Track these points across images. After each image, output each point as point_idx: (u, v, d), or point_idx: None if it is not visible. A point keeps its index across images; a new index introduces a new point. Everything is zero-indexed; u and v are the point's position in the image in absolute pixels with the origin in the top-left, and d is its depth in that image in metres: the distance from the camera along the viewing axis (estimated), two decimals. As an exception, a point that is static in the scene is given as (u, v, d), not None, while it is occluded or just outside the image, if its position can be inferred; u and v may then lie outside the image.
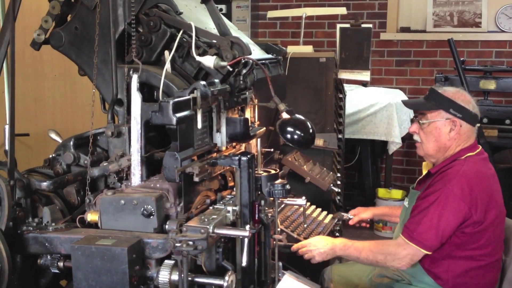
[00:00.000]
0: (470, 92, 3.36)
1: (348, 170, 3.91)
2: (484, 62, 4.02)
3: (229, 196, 1.47)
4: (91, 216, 1.35)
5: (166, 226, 1.27)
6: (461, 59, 3.56)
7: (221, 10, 4.06)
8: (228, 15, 4.20)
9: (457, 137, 1.81)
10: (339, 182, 2.58)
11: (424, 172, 1.95)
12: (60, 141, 1.57)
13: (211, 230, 1.22)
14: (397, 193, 3.69)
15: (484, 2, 4.14)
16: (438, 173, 1.80)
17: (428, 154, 1.87)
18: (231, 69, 1.59)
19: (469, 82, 3.41)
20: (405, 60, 4.30)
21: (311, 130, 1.63)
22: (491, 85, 3.47)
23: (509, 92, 3.77)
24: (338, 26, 2.64)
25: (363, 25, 2.58)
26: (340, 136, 2.66)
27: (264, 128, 1.74)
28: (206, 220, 1.26)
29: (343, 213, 2.11)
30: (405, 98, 3.93)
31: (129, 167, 1.42)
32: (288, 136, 1.62)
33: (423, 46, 4.23)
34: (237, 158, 1.38)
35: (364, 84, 3.96)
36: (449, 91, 1.85)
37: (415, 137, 1.88)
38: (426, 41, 4.21)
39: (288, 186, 1.47)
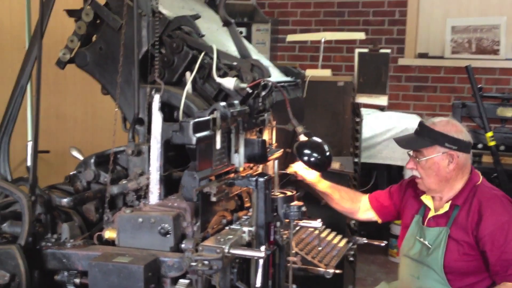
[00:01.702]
0: (488, 119, 3.37)
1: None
2: (502, 89, 4.01)
3: (245, 217, 1.48)
4: (109, 234, 1.37)
5: (182, 245, 1.28)
6: (479, 86, 3.55)
7: (241, 32, 4.12)
8: (248, 38, 4.25)
9: (456, 168, 1.81)
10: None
11: (429, 204, 1.91)
12: (82, 158, 1.60)
13: (226, 250, 1.23)
14: (412, 219, 3.66)
15: (503, 29, 4.14)
16: (465, 203, 1.82)
17: (431, 189, 1.86)
18: (250, 91, 1.61)
19: (486, 109, 3.39)
20: (423, 86, 4.30)
21: (328, 153, 1.64)
22: (508, 112, 3.46)
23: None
24: (357, 50, 2.67)
25: (381, 51, 2.60)
26: (356, 160, 2.67)
27: (282, 150, 1.75)
28: (222, 240, 1.27)
29: (357, 237, 2.10)
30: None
31: (147, 186, 1.44)
32: (305, 158, 1.63)
33: (441, 72, 4.24)
34: (254, 179, 1.39)
35: (381, 108, 3.97)
36: (439, 124, 1.84)
37: (415, 173, 1.86)
38: (444, 67, 4.22)
39: (304, 208, 1.48)
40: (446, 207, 1.85)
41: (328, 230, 2.09)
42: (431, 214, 1.89)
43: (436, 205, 1.90)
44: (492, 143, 3.22)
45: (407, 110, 4.27)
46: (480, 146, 3.38)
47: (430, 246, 1.83)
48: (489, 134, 3.25)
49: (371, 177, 3.80)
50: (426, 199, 1.91)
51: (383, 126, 3.57)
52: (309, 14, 4.55)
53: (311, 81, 2.56)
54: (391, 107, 4.24)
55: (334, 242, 2.00)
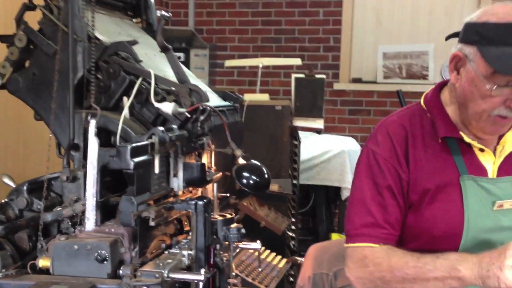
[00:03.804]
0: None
1: (303, 215, 3.96)
2: (431, 112, 4.21)
3: (185, 240, 1.48)
4: (43, 262, 1.33)
5: (120, 272, 1.26)
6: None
7: (179, 58, 4.14)
8: (187, 63, 4.27)
9: None
10: (293, 227, 2.61)
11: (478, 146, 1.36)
12: (14, 185, 1.55)
13: (165, 275, 1.23)
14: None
15: (431, 56, 4.38)
16: None
17: None
18: (189, 116, 1.63)
19: (417, 131, 3.55)
20: (357, 110, 4.47)
21: (266, 176, 1.68)
22: (437, 134, 3.63)
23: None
24: (293, 76, 2.75)
25: (316, 76, 2.70)
26: (295, 181, 2.72)
27: (221, 173, 1.77)
28: (161, 264, 1.27)
29: (297, 258, 2.14)
30: (358, 146, 4.06)
31: (83, 212, 1.42)
32: (244, 181, 1.66)
33: (374, 96, 4.42)
34: (193, 202, 1.40)
35: (318, 131, 4.07)
36: None
37: (506, 112, 1.28)
38: (377, 91, 4.40)
39: (243, 230, 1.50)
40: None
41: (268, 251, 2.12)
42: (498, 157, 1.38)
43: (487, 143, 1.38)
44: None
45: (343, 132, 4.40)
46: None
47: None
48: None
49: (310, 199, 3.88)
50: (473, 142, 1.36)
51: (320, 149, 3.67)
52: (247, 40, 4.64)
53: (250, 105, 2.61)
54: (328, 130, 4.37)
55: (274, 263, 2.03)
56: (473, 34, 1.29)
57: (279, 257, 2.13)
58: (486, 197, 1.35)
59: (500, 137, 1.41)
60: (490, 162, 1.38)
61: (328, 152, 3.64)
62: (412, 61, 4.45)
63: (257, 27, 4.62)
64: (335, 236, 3.79)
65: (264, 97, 2.76)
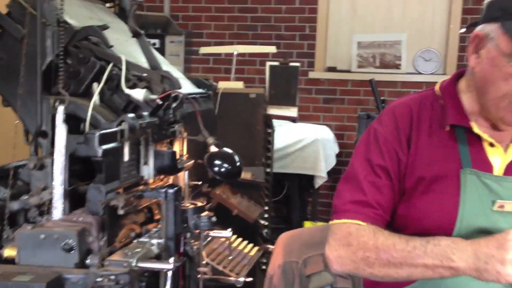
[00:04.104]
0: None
1: (277, 203, 3.98)
2: (404, 101, 4.26)
3: (155, 229, 1.47)
4: (8, 252, 1.31)
5: (87, 261, 1.25)
6: (382, 98, 3.76)
7: (154, 44, 4.08)
8: (162, 50, 4.22)
9: None
10: (266, 215, 2.62)
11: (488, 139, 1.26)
12: (-21, 173, 1.51)
13: (134, 264, 1.22)
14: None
15: (404, 45, 4.42)
16: None
17: None
18: (160, 103, 1.61)
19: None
20: (332, 98, 4.49)
21: (238, 163, 1.67)
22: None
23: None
24: (268, 64, 2.74)
25: (291, 64, 2.69)
26: (268, 170, 2.72)
27: (193, 161, 1.76)
28: (129, 253, 1.26)
29: (269, 245, 2.15)
30: (331, 134, 4.08)
31: (51, 201, 1.39)
32: (216, 168, 1.65)
33: (348, 85, 4.44)
34: (163, 190, 1.39)
35: (293, 120, 4.08)
36: None
37: None
38: (351, 80, 4.43)
39: (214, 219, 1.49)
40: None
41: (239, 240, 2.12)
42: (509, 154, 1.27)
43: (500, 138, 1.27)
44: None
45: (317, 121, 4.42)
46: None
47: None
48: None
49: (284, 187, 3.90)
50: (484, 135, 1.25)
51: (294, 137, 3.68)
52: (223, 27, 4.61)
53: (224, 93, 2.60)
54: (302, 118, 4.38)
55: (245, 251, 2.03)
56: (495, 10, 1.19)
57: (251, 245, 2.14)
58: (486, 194, 1.23)
59: None
60: (498, 158, 1.26)
61: (302, 141, 3.66)
62: (386, 50, 4.48)
63: (233, 14, 4.58)
64: (308, 224, 3.82)
65: (238, 85, 2.75)
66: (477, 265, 1.08)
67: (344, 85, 4.45)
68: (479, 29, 1.22)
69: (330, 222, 1.30)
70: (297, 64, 2.71)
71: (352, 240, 1.22)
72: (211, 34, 4.60)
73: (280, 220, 4.09)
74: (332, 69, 4.49)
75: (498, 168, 1.26)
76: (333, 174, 4.10)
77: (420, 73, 4.37)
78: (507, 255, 1.05)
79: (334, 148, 3.99)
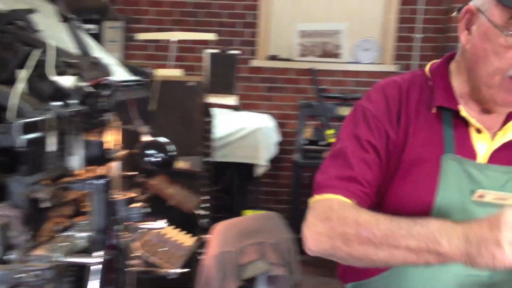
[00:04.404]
0: (330, 118, 3.63)
1: (218, 193, 3.97)
2: (343, 90, 4.34)
3: (83, 222, 1.42)
4: None
5: (10, 257, 1.19)
6: (323, 87, 3.81)
7: (90, 30, 3.95)
8: (100, 36, 4.09)
9: None
10: (206, 205, 2.60)
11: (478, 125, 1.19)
12: None
13: (58, 258, 1.17)
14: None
15: (344, 35, 4.48)
16: None
17: None
18: (91, 90, 1.55)
19: (328, 109, 3.65)
20: (273, 87, 4.50)
21: (171, 153, 1.64)
22: (347, 111, 3.74)
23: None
24: (207, 51, 2.70)
25: (230, 52, 2.67)
26: (207, 159, 2.70)
27: (125, 151, 1.71)
28: (54, 248, 1.21)
29: (206, 236, 2.13)
30: (273, 123, 4.10)
31: (-30, 193, 1.32)
32: (148, 158, 1.62)
33: (289, 74, 4.47)
34: (91, 182, 1.35)
35: (235, 108, 4.07)
36: None
37: None
38: (292, 69, 4.45)
39: (145, 210, 1.46)
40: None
41: (176, 231, 2.10)
42: (496, 141, 1.20)
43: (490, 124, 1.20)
44: (332, 140, 3.47)
45: (259, 110, 4.43)
46: (323, 143, 3.62)
47: None
48: (330, 131, 3.50)
49: (225, 176, 3.89)
50: (472, 120, 1.19)
51: (236, 126, 3.67)
52: (163, 13, 4.51)
53: (163, 80, 2.54)
54: (244, 107, 4.38)
55: (181, 241, 2.01)
56: None
57: (187, 235, 2.12)
58: (467, 183, 1.15)
59: (505, 122, 1.21)
60: (484, 145, 1.19)
61: (243, 130, 3.65)
62: (327, 39, 4.53)
63: (174, 0, 4.50)
64: (248, 213, 3.84)
65: (176, 73, 2.70)
66: (469, 250, 0.93)
67: (286, 73, 4.47)
68: (470, 3, 1.16)
69: (310, 199, 1.17)
70: (236, 52, 2.69)
71: (332, 215, 1.09)
72: (151, 20, 4.50)
73: (221, 209, 4.09)
74: (274, 58, 4.50)
75: (483, 155, 1.18)
76: (275, 162, 4.14)
77: (359, 63, 4.45)
78: (503, 236, 0.90)
79: (275, 137, 4.02)
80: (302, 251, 3.71)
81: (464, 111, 1.18)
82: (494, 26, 1.08)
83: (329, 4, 4.51)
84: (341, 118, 3.79)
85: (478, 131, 1.19)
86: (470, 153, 1.18)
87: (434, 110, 1.20)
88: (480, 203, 1.15)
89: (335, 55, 4.53)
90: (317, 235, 1.10)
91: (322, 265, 3.62)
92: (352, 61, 4.46)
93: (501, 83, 1.10)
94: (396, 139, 1.19)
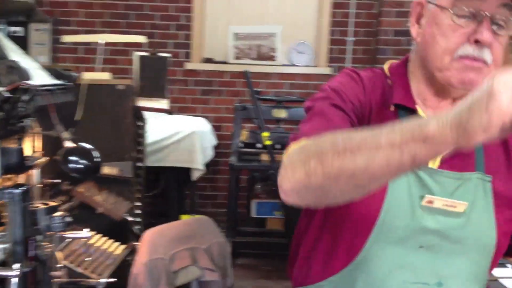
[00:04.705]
0: (265, 120, 3.64)
1: (154, 198, 3.89)
2: (279, 93, 4.37)
3: (1, 234, 1.34)
4: None
5: None
6: (257, 89, 3.82)
7: (15, 32, 3.78)
8: (26, 39, 3.92)
9: None
10: (139, 211, 2.54)
11: None
12: None
13: (-31, 273, 1.10)
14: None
15: (279, 38, 4.52)
16: None
17: None
18: (8, 95, 1.47)
19: (263, 111, 3.66)
20: (209, 90, 4.47)
21: (95, 159, 1.58)
22: (282, 113, 3.78)
23: (299, 120, 4.13)
24: (136, 54, 2.64)
25: (160, 54, 2.62)
26: (140, 164, 2.64)
27: (46, 158, 1.64)
28: (-36, 262, 1.13)
29: (136, 243, 2.08)
30: (209, 126, 4.07)
31: None
32: (71, 165, 1.55)
33: (225, 77, 4.45)
34: (7, 191, 1.27)
35: (169, 112, 4.02)
36: None
37: (484, 55, 1.06)
38: (228, 72, 4.44)
39: (69, 218, 1.40)
40: None
41: (104, 239, 2.03)
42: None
43: None
44: (268, 142, 3.48)
45: (195, 113, 4.39)
46: (259, 145, 3.63)
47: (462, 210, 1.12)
48: (265, 134, 3.51)
49: (160, 181, 3.82)
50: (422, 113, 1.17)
51: (170, 130, 3.62)
52: (93, 15, 4.39)
53: (90, 84, 2.46)
54: (180, 110, 4.33)
55: (110, 250, 1.95)
56: None
57: (117, 243, 2.05)
58: (416, 188, 1.11)
59: None
60: None
61: (178, 133, 3.60)
62: (262, 42, 4.55)
63: (104, 1, 4.39)
64: (185, 218, 3.78)
65: (105, 76, 2.62)
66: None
67: (221, 76, 4.45)
68: None
69: (283, 156, 1.00)
70: (167, 55, 2.64)
71: (304, 148, 0.93)
72: (80, 22, 4.37)
73: (158, 214, 4.01)
74: (209, 61, 4.47)
75: (435, 160, 1.13)
76: (211, 166, 4.11)
77: (294, 65, 4.50)
78: (495, 85, 0.71)
79: (211, 140, 3.99)
80: (237, 254, 3.69)
81: (421, 111, 1.16)
82: (441, 10, 1.07)
83: (263, 7, 4.54)
84: (276, 121, 3.82)
85: None
86: None
87: (392, 108, 1.16)
88: (429, 209, 1.11)
89: (270, 58, 4.56)
90: (291, 168, 0.91)
91: (257, 268, 3.64)
92: (287, 64, 4.51)
93: (452, 63, 1.07)
94: (359, 125, 1.13)
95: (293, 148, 0.98)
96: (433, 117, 0.78)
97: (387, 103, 1.17)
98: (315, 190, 0.90)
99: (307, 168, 0.88)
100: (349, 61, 4.42)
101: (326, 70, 4.45)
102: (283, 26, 4.53)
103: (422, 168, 1.12)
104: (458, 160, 1.13)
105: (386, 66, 1.26)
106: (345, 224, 1.15)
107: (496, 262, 1.20)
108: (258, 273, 3.56)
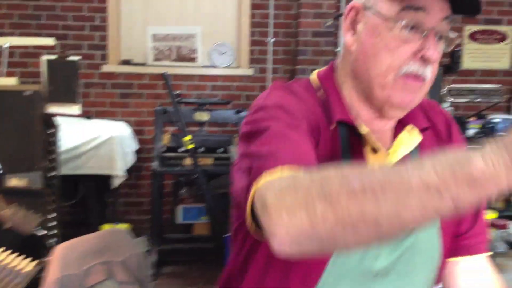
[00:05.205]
0: (187, 123, 3.57)
1: (73, 208, 3.72)
2: (201, 95, 4.31)
3: None
4: None
5: None
6: (179, 92, 3.74)
7: None
8: None
9: None
10: (54, 223, 2.39)
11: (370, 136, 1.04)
12: None
13: None
14: (123, 227, 3.65)
15: (199, 38, 4.46)
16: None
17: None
18: None
19: (185, 114, 3.60)
20: (129, 93, 4.33)
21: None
22: (205, 116, 3.73)
23: (222, 123, 4.10)
24: (44, 57, 2.49)
25: (70, 57, 2.48)
26: (52, 173, 2.49)
27: None
28: None
29: (48, 259, 1.95)
30: (129, 130, 3.95)
31: None
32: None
33: (144, 79, 4.33)
34: None
35: (88, 116, 3.85)
36: None
37: (427, 72, 0.99)
38: (148, 74, 4.32)
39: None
40: (415, 135, 1.08)
41: (14, 255, 1.89)
42: (391, 162, 1.04)
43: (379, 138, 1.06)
44: (190, 146, 3.42)
45: (115, 117, 4.24)
46: (182, 149, 3.55)
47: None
48: (187, 137, 3.44)
49: (79, 190, 3.65)
50: (369, 137, 1.04)
51: (88, 135, 3.46)
52: (1, 16, 4.12)
53: (-6, 90, 2.28)
54: (98, 114, 4.16)
55: (19, 267, 1.81)
56: None
57: (27, 260, 1.92)
58: None
59: (395, 136, 1.07)
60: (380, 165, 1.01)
61: (96, 139, 3.45)
62: (181, 43, 4.47)
63: (12, 1, 4.13)
64: (106, 227, 3.63)
65: (10, 81, 2.45)
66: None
67: (140, 79, 4.32)
68: (354, 1, 1.03)
69: (253, 190, 0.83)
70: (77, 58, 2.51)
71: (296, 183, 0.74)
72: (-14, 24, 4.09)
73: (78, 225, 3.83)
74: (127, 63, 4.33)
75: None
76: (133, 171, 3.99)
77: (215, 66, 4.45)
78: None
79: (132, 145, 3.87)
80: (164, 262, 3.59)
81: (364, 127, 1.03)
82: (384, 20, 0.97)
83: (182, 7, 4.45)
84: (198, 123, 3.75)
85: (374, 150, 1.03)
86: None
87: (333, 126, 1.02)
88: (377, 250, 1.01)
89: (191, 59, 4.48)
90: (286, 212, 0.71)
91: (185, 276, 3.56)
92: (208, 65, 4.45)
93: (396, 81, 0.98)
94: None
95: (272, 180, 0.79)
96: (475, 152, 0.64)
97: (327, 120, 1.03)
98: (323, 239, 0.71)
99: (311, 213, 0.69)
100: (270, 62, 4.44)
101: (248, 71, 4.44)
102: (203, 27, 4.47)
103: None
104: None
105: (313, 77, 1.12)
106: (297, 262, 0.97)
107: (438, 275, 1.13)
108: (186, 281, 3.48)
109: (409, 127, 1.07)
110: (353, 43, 1.03)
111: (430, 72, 0.98)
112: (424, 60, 0.96)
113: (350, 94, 1.06)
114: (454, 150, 0.67)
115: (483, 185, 0.62)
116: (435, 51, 0.96)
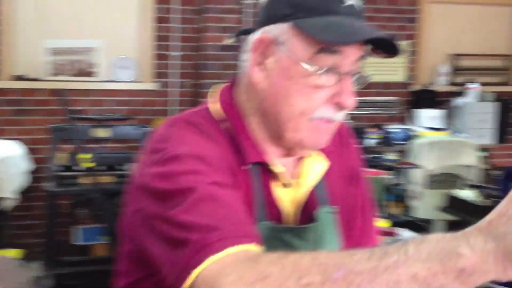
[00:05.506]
0: (85, 141, 3.42)
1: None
2: (102, 110, 4.15)
3: None
4: None
5: None
6: (77, 108, 3.58)
7: None
8: None
9: None
10: None
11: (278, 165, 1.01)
12: None
13: None
14: (12, 253, 3.40)
15: (99, 52, 4.31)
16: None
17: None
18: None
19: (84, 131, 3.44)
20: (22, 110, 4.08)
21: None
22: (105, 133, 3.59)
23: (125, 139, 3.98)
24: None
25: None
26: None
27: None
28: None
29: None
30: (21, 150, 3.71)
31: None
32: None
33: (39, 95, 4.10)
34: None
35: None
36: None
37: (339, 116, 0.97)
38: (43, 89, 4.10)
39: None
40: (319, 159, 1.06)
41: None
42: (300, 196, 1.03)
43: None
44: (88, 165, 3.27)
45: (4, 136, 3.97)
46: (79, 168, 3.39)
47: None
48: (86, 156, 3.29)
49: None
50: (281, 173, 1.01)
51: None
52: None
53: None
54: (-11, 134, 3.88)
55: None
56: (283, 7, 0.92)
57: None
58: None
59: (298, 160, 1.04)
60: (292, 202, 1.01)
61: (-16, 160, 3.22)
62: (80, 57, 4.29)
63: None
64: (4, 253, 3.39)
65: None
66: (503, 244, 0.60)
67: (35, 95, 4.09)
68: (262, 32, 0.95)
69: (194, 272, 0.73)
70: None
71: (263, 271, 0.67)
72: None
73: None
74: (20, 78, 4.08)
75: (293, 214, 1.01)
76: (27, 193, 3.75)
77: (117, 81, 4.31)
78: None
79: (25, 165, 3.63)
80: (60, 287, 3.35)
81: (280, 166, 1.00)
82: (298, 62, 0.90)
83: (80, 19, 4.28)
84: (98, 140, 3.61)
85: (284, 184, 1.01)
86: (280, 215, 0.99)
87: (246, 167, 0.96)
88: None
89: (90, 74, 4.31)
90: None
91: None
92: (110, 80, 4.30)
93: (308, 125, 0.94)
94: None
95: (223, 264, 0.72)
96: (460, 240, 0.62)
97: (239, 159, 0.97)
98: None
99: None
100: (175, 76, 4.37)
101: (152, 86, 4.35)
102: (103, 41, 4.32)
103: (286, 229, 0.98)
104: (312, 207, 1.03)
105: (214, 106, 1.02)
106: None
107: None
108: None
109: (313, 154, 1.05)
110: (262, 80, 0.95)
111: (342, 115, 0.96)
112: (340, 107, 0.93)
113: (258, 130, 1.00)
114: (438, 237, 0.65)
115: (472, 277, 0.61)
116: (352, 96, 0.92)
